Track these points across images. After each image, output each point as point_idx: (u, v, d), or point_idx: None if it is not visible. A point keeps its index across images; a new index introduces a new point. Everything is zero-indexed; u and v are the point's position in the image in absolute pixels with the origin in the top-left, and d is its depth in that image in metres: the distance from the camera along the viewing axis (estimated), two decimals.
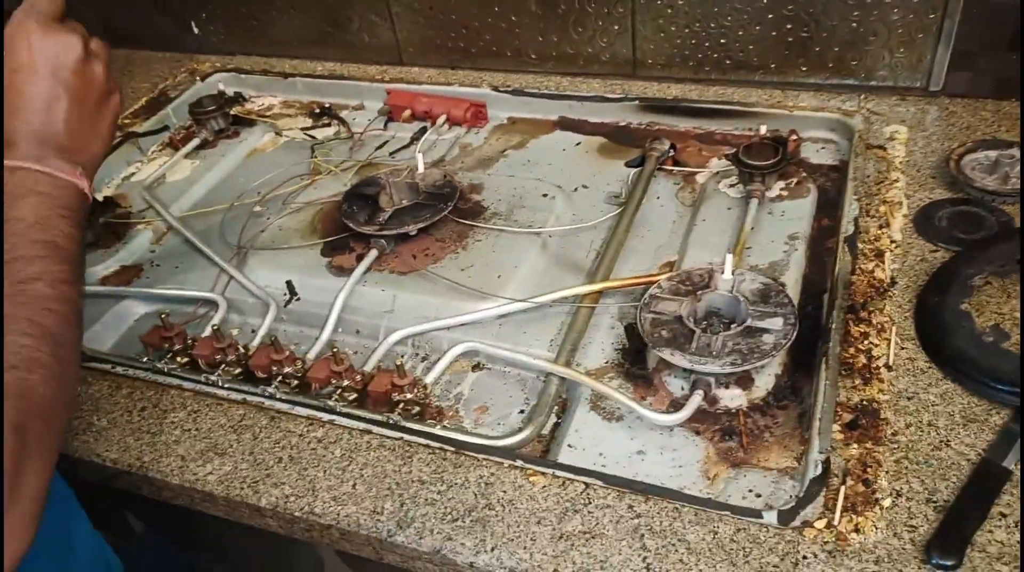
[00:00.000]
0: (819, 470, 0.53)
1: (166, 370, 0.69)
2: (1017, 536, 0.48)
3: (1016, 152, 0.74)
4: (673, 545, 0.51)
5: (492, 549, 0.52)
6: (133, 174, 1.02)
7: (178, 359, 0.71)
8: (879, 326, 0.62)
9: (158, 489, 0.62)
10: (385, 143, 1.00)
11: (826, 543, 0.49)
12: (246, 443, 0.62)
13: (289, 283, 0.79)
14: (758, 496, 0.56)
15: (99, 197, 0.93)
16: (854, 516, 0.50)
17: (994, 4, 0.79)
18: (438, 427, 0.63)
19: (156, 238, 0.90)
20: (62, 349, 0.50)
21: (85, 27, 0.61)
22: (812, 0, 0.86)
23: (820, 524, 0.50)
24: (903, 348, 0.61)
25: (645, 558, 0.50)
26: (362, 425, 0.62)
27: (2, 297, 0.49)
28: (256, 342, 0.72)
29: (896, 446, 0.54)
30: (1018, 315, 0.61)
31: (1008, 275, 0.63)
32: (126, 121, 1.09)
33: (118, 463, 0.62)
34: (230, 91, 1.11)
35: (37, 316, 0.49)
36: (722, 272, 0.66)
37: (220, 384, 0.67)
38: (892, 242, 0.70)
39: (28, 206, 0.53)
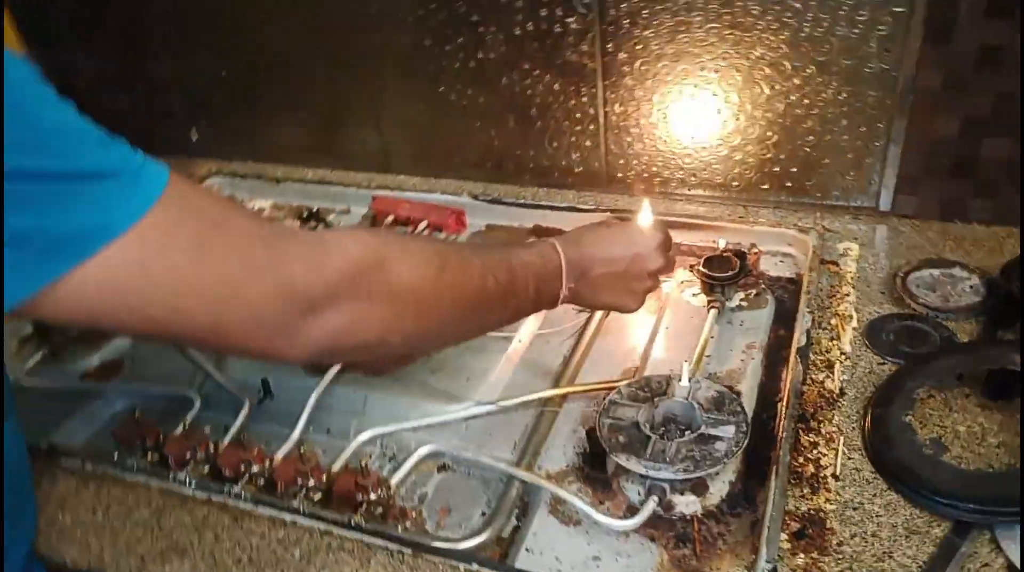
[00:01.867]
0: None
1: (135, 468, 0.70)
2: None
3: (957, 272, 0.79)
4: None
5: None
6: None
7: (149, 456, 0.72)
8: (828, 436, 0.65)
9: None
10: None
11: None
12: (207, 543, 0.63)
13: (264, 381, 0.81)
14: None
15: None
16: None
17: (936, 136, 0.85)
18: (400, 528, 0.64)
19: None
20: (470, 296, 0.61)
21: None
22: (771, 126, 0.92)
23: None
24: (850, 458, 0.63)
25: None
26: (323, 526, 0.63)
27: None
28: (227, 440, 0.74)
29: (841, 556, 0.55)
30: (960, 428, 0.64)
31: (949, 389, 0.66)
32: None
33: (77, 563, 0.63)
34: (224, 193, 1.17)
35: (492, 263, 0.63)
36: (679, 380, 0.69)
37: (188, 482, 0.68)
38: (842, 354, 0.73)
39: (534, 264, 0.68)
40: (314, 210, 1.13)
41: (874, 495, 0.60)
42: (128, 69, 1.25)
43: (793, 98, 0.89)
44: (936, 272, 0.79)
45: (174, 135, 1.29)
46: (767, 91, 0.90)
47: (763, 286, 0.87)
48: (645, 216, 0.78)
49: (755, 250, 0.92)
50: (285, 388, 0.81)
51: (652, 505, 0.62)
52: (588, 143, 1.03)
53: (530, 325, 0.86)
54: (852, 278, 0.82)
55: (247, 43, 1.14)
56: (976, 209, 0.88)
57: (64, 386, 0.85)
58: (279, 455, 0.72)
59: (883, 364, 0.71)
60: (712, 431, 0.65)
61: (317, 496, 0.67)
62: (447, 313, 0.61)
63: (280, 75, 1.15)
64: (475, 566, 0.58)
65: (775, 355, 0.78)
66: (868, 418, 0.65)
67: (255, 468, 0.69)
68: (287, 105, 1.18)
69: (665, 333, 0.83)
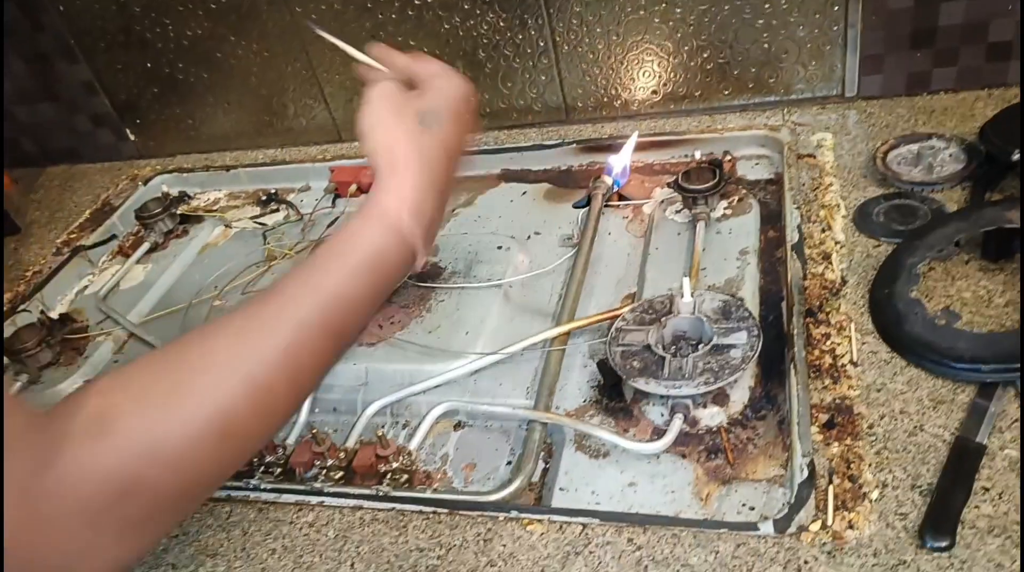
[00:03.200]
0: (805, 474, 0.54)
1: None
2: (1003, 508, 0.50)
3: (935, 143, 0.78)
4: (677, 571, 0.51)
5: None
6: (86, 287, 1.01)
7: None
8: (838, 325, 0.65)
9: None
10: (336, 220, 1.01)
11: (824, 544, 0.50)
12: (236, 540, 0.61)
13: None
14: (752, 509, 0.57)
15: (54, 315, 0.92)
16: (846, 513, 0.51)
17: (891, 10, 0.84)
18: (429, 491, 0.63)
19: (118, 348, 0.89)
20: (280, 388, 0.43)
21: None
22: (723, 27, 0.90)
23: (815, 527, 0.51)
24: (864, 343, 0.63)
25: None
26: (352, 502, 0.61)
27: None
28: None
29: (874, 438, 0.55)
30: (966, 295, 0.64)
31: (949, 258, 0.66)
32: (72, 236, 1.08)
33: None
34: (174, 191, 1.12)
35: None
36: (682, 296, 0.68)
37: None
38: (836, 243, 0.72)
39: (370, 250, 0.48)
40: (273, 192, 1.09)
41: (895, 374, 0.60)
42: (45, 77, 1.18)
43: None
44: (914, 147, 0.78)
45: (105, 141, 1.23)
46: None
47: (744, 191, 0.86)
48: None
49: (729, 158, 0.91)
50: None
51: (679, 423, 0.62)
52: (543, 78, 1.00)
53: (519, 269, 0.84)
54: (832, 168, 0.82)
55: (166, 32, 1.08)
56: (939, 79, 0.87)
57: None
58: (290, 440, 0.70)
59: (879, 246, 0.71)
60: (724, 340, 0.64)
61: (338, 475, 0.66)
62: (270, 422, 0.45)
63: (208, 60, 1.10)
64: (515, 513, 0.57)
65: (769, 257, 0.78)
66: (875, 300, 0.65)
67: (268, 458, 0.67)
68: (222, 90, 1.13)
69: (656, 254, 0.82)
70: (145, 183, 1.16)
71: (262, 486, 0.65)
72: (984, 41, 0.83)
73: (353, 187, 1.04)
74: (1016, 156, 0.68)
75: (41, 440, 0.37)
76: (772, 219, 0.82)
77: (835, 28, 0.87)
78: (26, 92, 1.20)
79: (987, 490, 0.51)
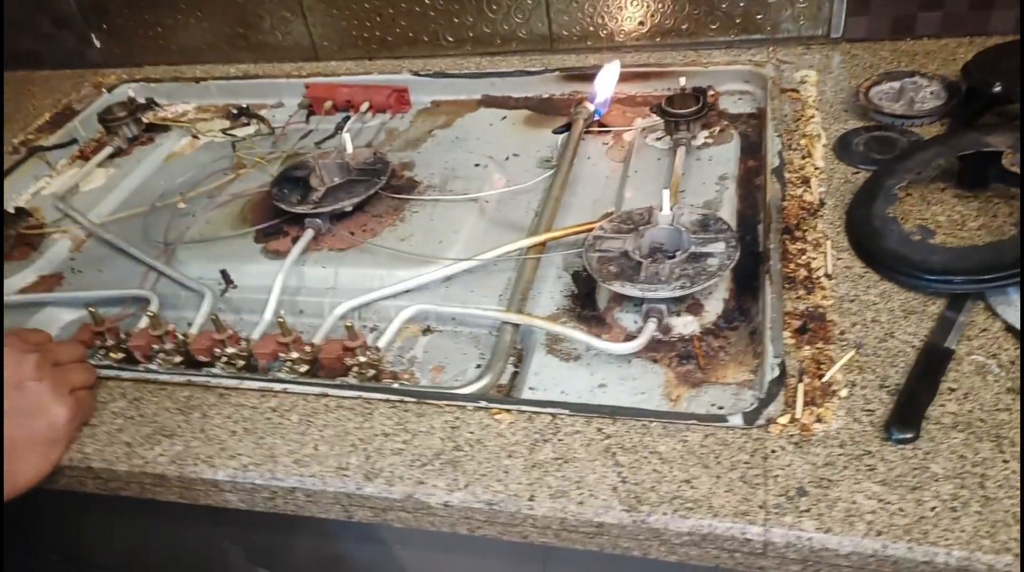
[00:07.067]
0: (776, 372, 0.54)
1: (101, 365, 0.65)
2: (968, 406, 0.50)
3: (917, 80, 0.79)
4: (645, 458, 0.51)
5: (466, 486, 0.51)
6: (43, 188, 0.97)
7: (111, 355, 0.67)
8: (814, 242, 0.65)
9: (104, 480, 0.58)
10: (309, 133, 0.98)
11: (791, 435, 0.50)
12: (195, 422, 0.59)
13: (224, 272, 0.76)
14: (720, 408, 0.57)
15: (9, 208, 0.88)
16: (814, 408, 0.52)
17: None
18: (396, 384, 0.62)
19: (75, 246, 0.86)
20: None
21: None
22: None
23: (783, 420, 0.51)
24: (839, 258, 0.63)
25: (620, 472, 0.50)
26: (317, 389, 0.60)
27: None
28: (195, 330, 0.69)
29: (845, 343, 0.56)
30: (940, 218, 0.65)
31: (925, 181, 0.67)
32: (30, 136, 1.04)
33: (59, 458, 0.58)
34: (141, 98, 1.08)
35: None
36: (661, 209, 0.67)
37: (160, 371, 0.64)
38: (816, 169, 0.72)
39: None
40: (244, 107, 1.06)
41: (868, 287, 0.60)
42: None
43: None
44: (897, 83, 0.79)
45: (73, 46, 1.18)
46: None
47: (726, 123, 0.86)
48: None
49: (712, 92, 0.91)
50: (246, 275, 0.76)
51: (652, 326, 0.61)
52: (530, 2, 0.98)
53: (495, 185, 0.83)
54: (814, 102, 0.82)
55: None
56: (924, 23, 0.88)
57: (4, 303, 0.78)
58: (255, 336, 0.68)
59: (857, 173, 0.71)
60: (702, 249, 0.64)
61: (303, 369, 0.64)
62: None
63: None
64: (483, 403, 0.57)
65: (748, 184, 0.78)
66: (852, 219, 0.65)
67: (231, 349, 0.65)
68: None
69: (635, 177, 0.81)
70: (110, 91, 1.12)
71: (224, 374, 0.63)
72: None
73: (328, 104, 1.01)
74: (998, 87, 0.69)
75: None
76: (752, 150, 0.82)
77: None
78: None
79: (953, 390, 0.51)
